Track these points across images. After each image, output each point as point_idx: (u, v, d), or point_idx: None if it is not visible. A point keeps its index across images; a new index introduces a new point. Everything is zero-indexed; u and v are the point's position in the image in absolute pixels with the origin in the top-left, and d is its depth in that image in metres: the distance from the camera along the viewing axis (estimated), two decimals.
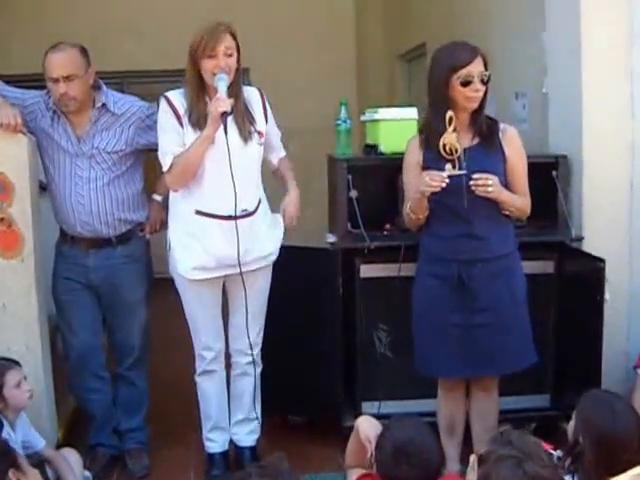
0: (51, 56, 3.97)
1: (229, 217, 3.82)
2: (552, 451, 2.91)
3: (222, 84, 3.69)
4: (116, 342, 4.38)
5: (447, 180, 3.56)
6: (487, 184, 3.57)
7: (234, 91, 3.80)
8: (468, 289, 3.72)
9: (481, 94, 3.66)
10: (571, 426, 2.98)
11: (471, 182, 3.58)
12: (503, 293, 3.75)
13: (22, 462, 3.31)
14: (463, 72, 3.62)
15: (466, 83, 3.63)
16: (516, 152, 3.78)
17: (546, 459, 2.56)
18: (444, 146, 3.62)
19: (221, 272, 3.95)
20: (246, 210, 3.86)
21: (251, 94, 3.95)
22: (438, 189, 3.57)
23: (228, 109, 3.67)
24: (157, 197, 4.38)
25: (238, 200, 3.77)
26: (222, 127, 3.68)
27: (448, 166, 3.58)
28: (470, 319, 3.74)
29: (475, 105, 3.69)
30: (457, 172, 3.57)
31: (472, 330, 3.74)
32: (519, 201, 3.74)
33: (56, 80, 3.94)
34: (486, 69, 3.67)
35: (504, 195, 3.67)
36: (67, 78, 3.93)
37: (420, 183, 3.65)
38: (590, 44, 4.36)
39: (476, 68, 3.63)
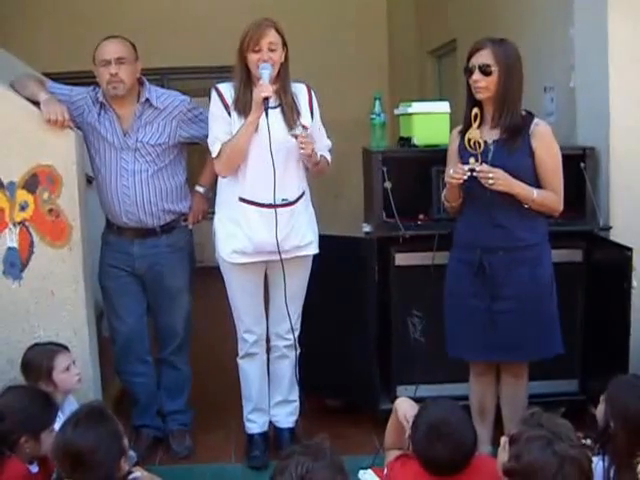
0: (104, 43, 4.16)
1: (269, 205, 3.95)
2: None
3: (265, 72, 3.86)
4: (160, 328, 4.49)
5: (468, 173, 3.68)
6: (487, 177, 3.65)
7: (282, 84, 3.97)
8: (488, 275, 3.80)
9: (482, 84, 3.72)
10: (600, 411, 3.03)
11: (474, 174, 3.68)
12: (526, 282, 3.79)
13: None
14: (468, 64, 3.77)
15: (469, 74, 3.76)
16: (544, 148, 3.78)
17: (575, 440, 2.62)
18: (469, 140, 3.74)
19: (259, 258, 4.06)
20: (286, 200, 3.99)
21: (298, 89, 4.08)
22: (460, 181, 3.71)
23: (270, 94, 3.84)
24: (200, 188, 4.49)
25: (278, 189, 3.90)
26: (264, 114, 3.85)
27: (472, 160, 3.70)
28: (491, 305, 3.81)
29: (480, 95, 3.76)
30: (477, 166, 3.68)
31: (493, 316, 3.81)
32: (538, 196, 3.74)
33: (108, 62, 4.09)
34: (498, 62, 3.68)
35: (517, 188, 3.70)
36: (118, 60, 4.09)
37: (447, 174, 3.81)
38: (617, 39, 4.44)
39: (477, 59, 3.73)
